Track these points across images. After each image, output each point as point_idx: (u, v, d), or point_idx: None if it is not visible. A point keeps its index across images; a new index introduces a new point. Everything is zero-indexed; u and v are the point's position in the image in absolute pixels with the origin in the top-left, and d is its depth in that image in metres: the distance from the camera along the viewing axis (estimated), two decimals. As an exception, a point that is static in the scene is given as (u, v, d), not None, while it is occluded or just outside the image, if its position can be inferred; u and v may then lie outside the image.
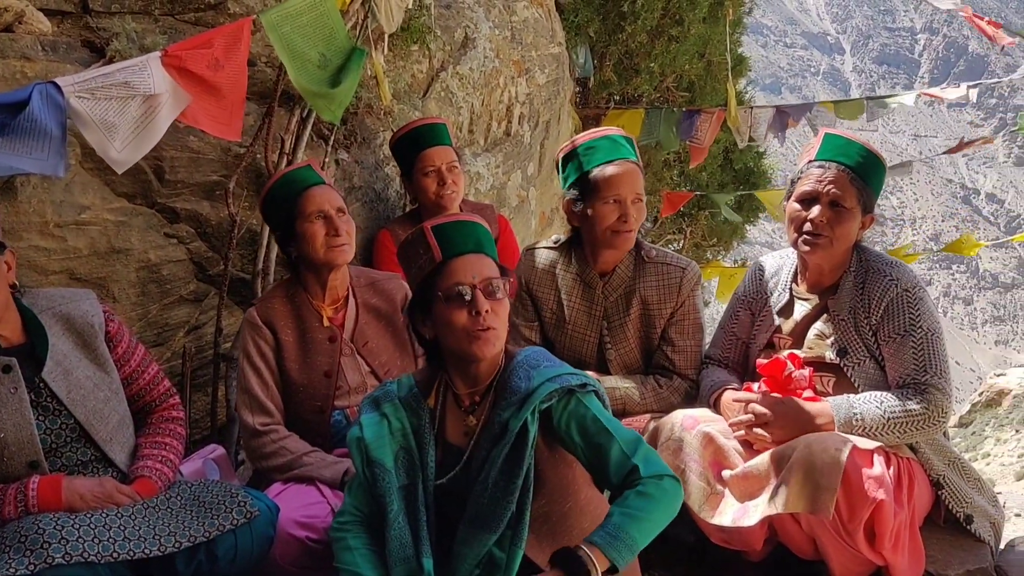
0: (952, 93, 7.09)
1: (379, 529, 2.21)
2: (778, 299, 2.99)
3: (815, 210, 2.77)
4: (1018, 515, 4.09)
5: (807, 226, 2.78)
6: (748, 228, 9.16)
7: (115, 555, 2.21)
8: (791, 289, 2.98)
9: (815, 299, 2.90)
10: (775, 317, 2.97)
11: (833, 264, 2.86)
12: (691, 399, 3.13)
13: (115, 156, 2.57)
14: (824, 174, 2.78)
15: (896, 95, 7.18)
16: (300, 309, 3.02)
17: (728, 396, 2.84)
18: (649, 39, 6.89)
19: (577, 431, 2.15)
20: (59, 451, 2.47)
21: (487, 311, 2.16)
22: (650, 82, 7.05)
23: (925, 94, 7.25)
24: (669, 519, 2.06)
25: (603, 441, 2.12)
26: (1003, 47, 5.35)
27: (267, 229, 3.61)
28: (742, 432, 2.72)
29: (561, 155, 3.19)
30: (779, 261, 3.08)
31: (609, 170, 3.01)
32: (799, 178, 2.86)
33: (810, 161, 2.85)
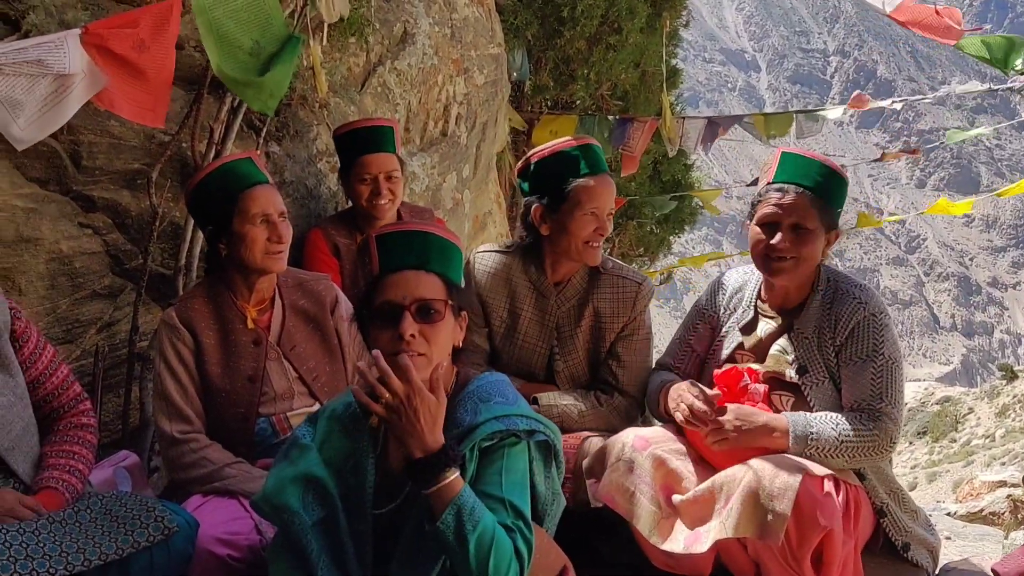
0: (877, 105, 7.24)
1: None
2: (742, 316, 2.93)
3: (777, 236, 2.71)
4: (948, 538, 4.16)
5: (770, 251, 2.73)
6: (673, 239, 9.24)
7: (16, 576, 2.00)
8: (756, 306, 2.93)
9: (779, 317, 2.86)
10: (738, 333, 2.91)
11: (799, 283, 2.82)
12: (631, 419, 3.07)
13: (16, 133, 2.37)
14: (783, 198, 2.72)
15: (824, 108, 7.30)
16: (222, 309, 2.85)
17: (680, 386, 2.74)
18: (587, 46, 6.86)
19: (479, 477, 2.01)
20: (-47, 460, 2.25)
21: (412, 335, 2.01)
22: (586, 89, 7.01)
23: (853, 106, 7.36)
24: (473, 563, 1.86)
25: (491, 493, 1.97)
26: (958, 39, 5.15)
27: (190, 223, 3.41)
28: (687, 413, 2.62)
29: (535, 159, 3.07)
30: (743, 277, 3.02)
31: (593, 182, 2.96)
32: (759, 201, 2.80)
33: (768, 183, 2.79)
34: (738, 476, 2.47)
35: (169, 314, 2.82)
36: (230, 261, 2.83)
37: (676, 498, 2.59)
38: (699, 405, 2.61)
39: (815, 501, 2.38)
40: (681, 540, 2.54)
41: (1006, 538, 4.53)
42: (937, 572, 2.84)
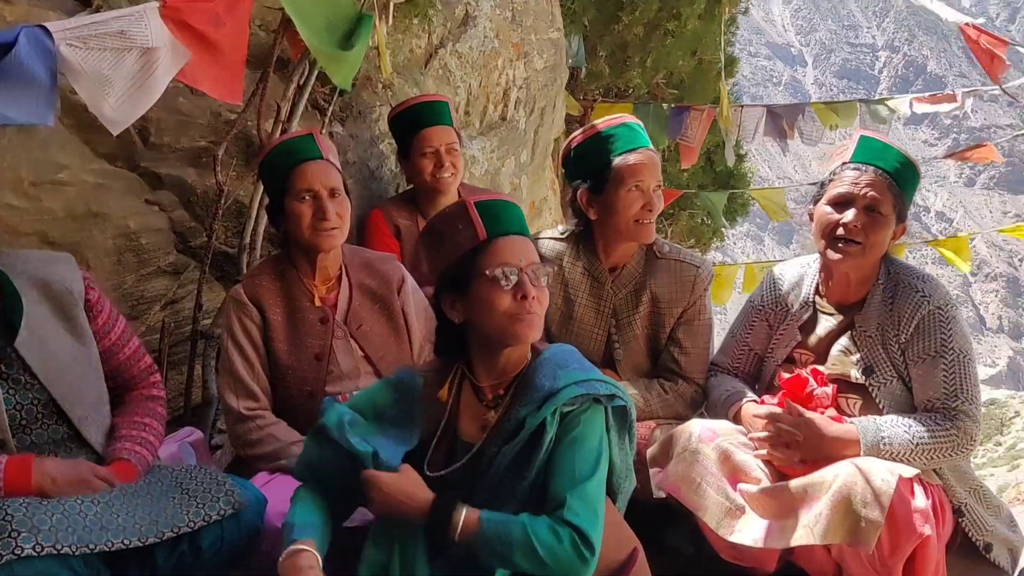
0: (948, 105, 7.06)
1: None
2: (800, 312, 2.84)
3: (849, 214, 2.62)
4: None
5: (840, 231, 2.64)
6: (725, 231, 9.13)
7: (91, 546, 1.99)
8: (814, 302, 2.84)
9: (839, 314, 2.77)
10: (796, 331, 2.83)
11: (861, 275, 2.72)
12: (697, 406, 3.01)
13: (109, 114, 2.34)
14: (861, 176, 2.63)
15: (892, 98, 7.14)
16: (290, 287, 2.84)
17: (749, 409, 2.70)
18: (645, 32, 6.77)
19: (559, 441, 2.00)
20: (28, 428, 2.25)
21: (533, 297, 2.01)
22: (642, 76, 6.93)
23: (918, 100, 7.20)
24: (529, 566, 1.88)
25: (557, 461, 1.97)
26: (1001, 74, 5.14)
27: (256, 201, 3.41)
28: (764, 451, 2.58)
29: (574, 144, 3.04)
30: (800, 271, 2.93)
31: (632, 158, 2.89)
32: (831, 180, 2.71)
33: (844, 163, 2.70)
34: (827, 480, 2.38)
35: (237, 290, 2.82)
36: (290, 239, 2.82)
37: (745, 487, 2.53)
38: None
39: (909, 507, 2.30)
40: (750, 533, 2.46)
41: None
42: (1018, 574, 2.75)
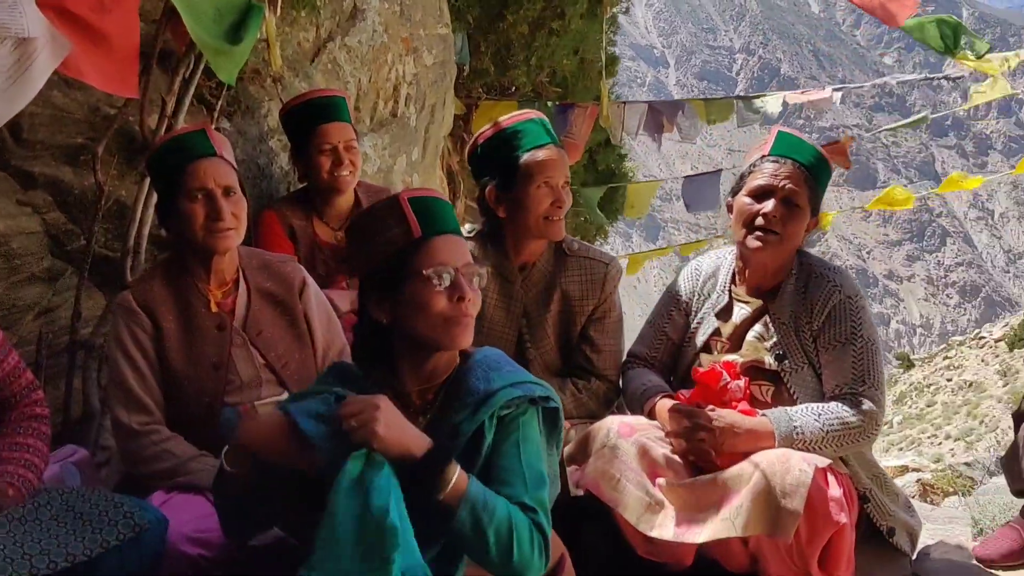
0: (817, 96, 7.37)
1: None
2: (717, 301, 2.89)
3: (768, 204, 2.69)
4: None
5: (759, 220, 2.69)
6: (608, 228, 9.24)
7: (-25, 581, 1.82)
8: (730, 291, 2.89)
9: (755, 302, 2.82)
10: (713, 319, 2.87)
11: (777, 265, 2.79)
12: (610, 403, 3.00)
13: None
14: (779, 169, 2.70)
15: (766, 95, 7.39)
16: (183, 293, 2.67)
17: (665, 405, 2.71)
18: (530, 30, 6.77)
19: (493, 447, 1.91)
20: None
21: (469, 299, 1.93)
22: (527, 75, 6.92)
23: (792, 96, 7.48)
24: (494, 552, 1.77)
25: (507, 466, 1.88)
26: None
27: (140, 201, 3.20)
28: (682, 444, 2.59)
29: (481, 140, 2.98)
30: (716, 261, 2.98)
31: (541, 154, 2.84)
32: (750, 172, 2.77)
33: (763, 156, 2.77)
34: (746, 473, 2.41)
35: (125, 297, 2.63)
36: (182, 241, 2.66)
37: (663, 481, 2.53)
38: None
39: (826, 497, 2.34)
40: (671, 527, 2.47)
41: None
42: (915, 557, 2.86)
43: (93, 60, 2.35)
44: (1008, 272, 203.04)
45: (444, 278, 1.92)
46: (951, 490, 8.18)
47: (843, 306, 2.68)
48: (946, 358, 51.64)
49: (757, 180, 2.73)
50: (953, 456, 24.14)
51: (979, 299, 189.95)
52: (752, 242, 2.71)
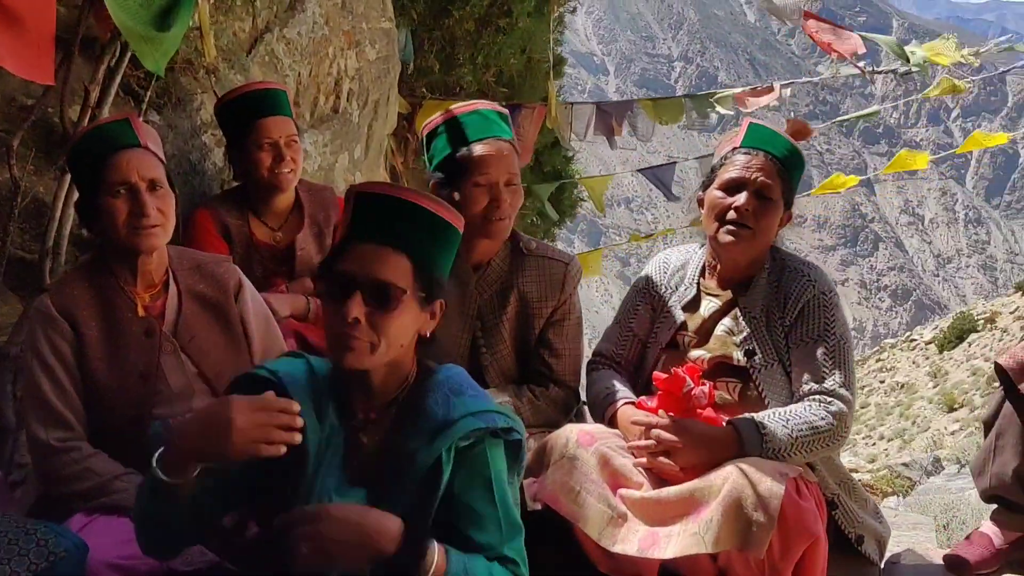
0: (767, 97, 7.37)
1: None
2: (684, 293, 2.78)
3: (741, 197, 2.59)
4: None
5: (731, 214, 2.60)
6: (558, 229, 9.14)
7: None
8: (698, 284, 2.78)
9: (725, 294, 2.72)
10: (680, 313, 2.75)
11: (750, 258, 2.69)
12: (570, 410, 2.87)
13: None
14: (751, 161, 2.61)
15: (718, 92, 7.38)
16: (107, 297, 2.48)
17: (626, 414, 2.58)
18: (476, 27, 6.61)
19: (460, 484, 1.76)
20: None
21: (356, 319, 1.73)
22: (473, 73, 6.77)
23: (741, 96, 7.47)
24: None
25: (481, 511, 1.75)
26: (853, 56, 5.42)
27: (61, 198, 2.98)
28: (644, 460, 2.46)
29: (426, 131, 2.83)
30: (684, 255, 2.88)
31: (478, 149, 2.68)
32: (721, 165, 2.67)
33: (734, 148, 2.67)
34: (715, 485, 2.28)
35: (43, 302, 2.43)
36: (106, 240, 2.47)
37: (627, 492, 2.40)
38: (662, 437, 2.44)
39: (800, 508, 2.24)
40: (635, 542, 2.34)
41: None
42: (884, 565, 2.77)
43: (5, 42, 2.14)
44: (938, 276, 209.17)
45: (344, 290, 1.77)
46: (889, 490, 8.21)
47: (816, 301, 2.60)
48: (879, 360, 52.72)
49: (729, 173, 2.64)
50: (887, 456, 24.59)
51: (910, 302, 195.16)
52: (724, 236, 2.62)
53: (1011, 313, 43.36)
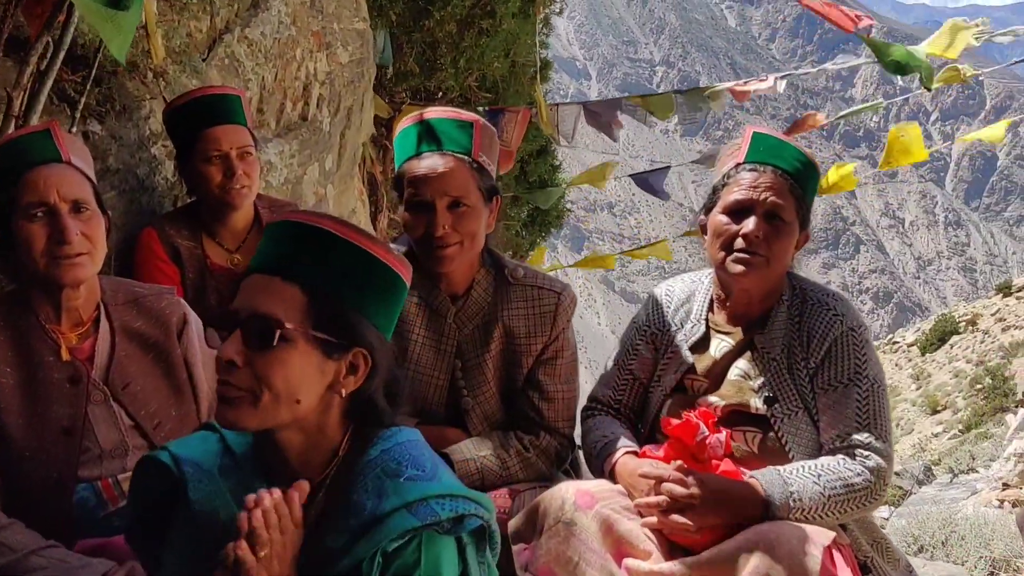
0: (762, 85, 7.14)
1: None
2: (691, 331, 2.44)
3: (749, 223, 2.25)
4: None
5: (738, 242, 2.26)
6: (541, 241, 8.81)
7: None
8: (707, 320, 2.44)
9: (737, 332, 2.38)
10: (687, 354, 2.41)
11: (765, 290, 2.35)
12: (563, 462, 2.52)
13: None
14: (759, 179, 2.27)
15: (713, 87, 7.13)
16: (25, 337, 2.17)
17: (629, 466, 2.24)
18: (458, 29, 6.27)
19: None
20: None
21: (230, 360, 1.45)
22: (455, 77, 6.42)
23: (734, 87, 7.23)
24: None
25: None
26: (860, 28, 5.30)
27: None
28: (654, 519, 2.12)
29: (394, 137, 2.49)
30: (690, 286, 2.54)
31: (411, 165, 2.33)
32: (724, 185, 2.33)
33: (738, 164, 2.33)
34: (741, 554, 1.97)
35: (-52, 345, 2.07)
36: (22, 271, 2.14)
37: (632, 563, 2.06)
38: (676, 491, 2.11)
39: None
40: None
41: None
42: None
43: None
44: (918, 278, 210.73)
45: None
46: (881, 500, 7.92)
47: (845, 339, 2.28)
48: (863, 363, 52.84)
49: (734, 194, 2.30)
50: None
51: (891, 305, 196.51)
52: (733, 266, 2.28)
53: (992, 315, 43.52)
